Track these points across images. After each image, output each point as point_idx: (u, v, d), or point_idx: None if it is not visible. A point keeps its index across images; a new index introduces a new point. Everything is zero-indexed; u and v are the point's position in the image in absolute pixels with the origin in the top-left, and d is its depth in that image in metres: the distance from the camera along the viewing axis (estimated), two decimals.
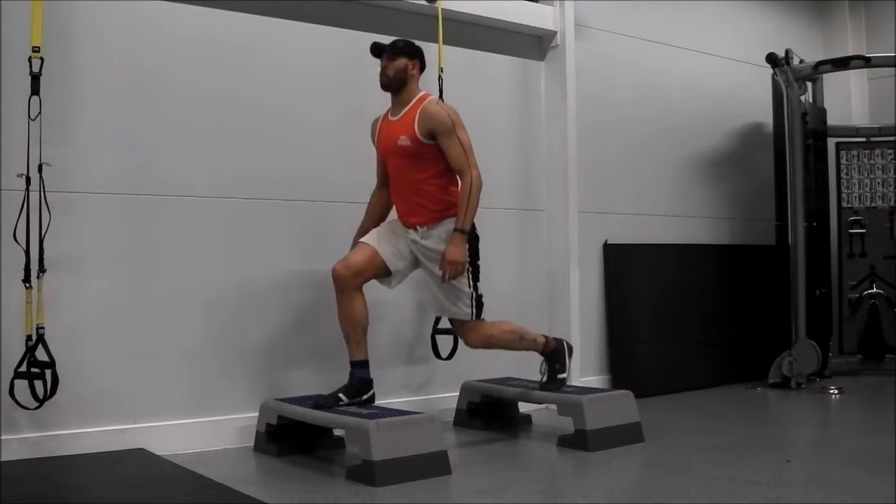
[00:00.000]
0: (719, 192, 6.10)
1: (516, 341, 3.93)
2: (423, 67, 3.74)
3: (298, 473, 3.37)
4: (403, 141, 3.59)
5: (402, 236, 3.70)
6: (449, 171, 3.64)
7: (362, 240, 3.69)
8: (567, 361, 4.08)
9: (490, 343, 3.84)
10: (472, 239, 3.66)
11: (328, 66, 4.27)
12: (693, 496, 3.00)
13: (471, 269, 3.66)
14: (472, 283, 3.67)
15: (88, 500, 2.92)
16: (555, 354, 4.05)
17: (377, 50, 3.72)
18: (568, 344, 4.14)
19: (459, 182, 3.64)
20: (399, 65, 3.65)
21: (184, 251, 3.81)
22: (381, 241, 3.67)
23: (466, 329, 3.78)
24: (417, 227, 3.66)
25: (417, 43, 4.49)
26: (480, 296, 3.72)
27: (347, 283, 3.54)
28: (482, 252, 3.74)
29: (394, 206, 3.81)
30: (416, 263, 3.75)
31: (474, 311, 3.70)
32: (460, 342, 4.18)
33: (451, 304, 3.70)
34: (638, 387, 4.51)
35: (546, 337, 4.05)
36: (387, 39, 4.30)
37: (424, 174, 3.62)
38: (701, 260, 5.85)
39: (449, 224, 3.63)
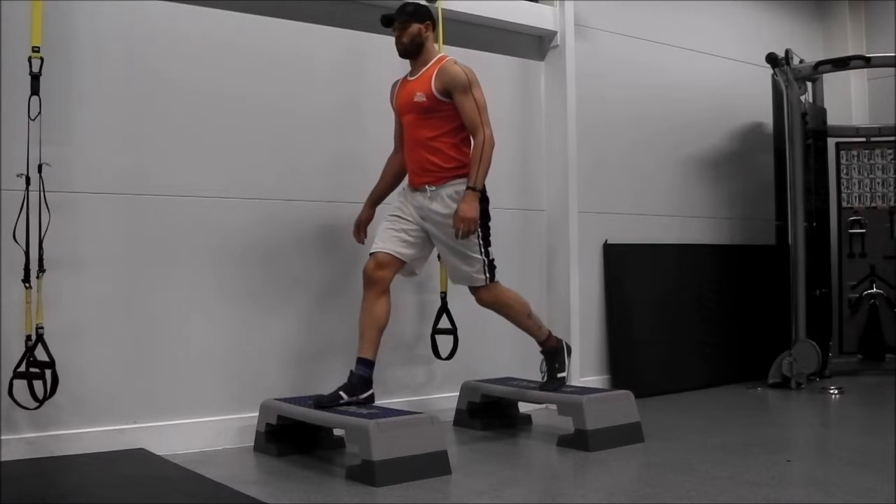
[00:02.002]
0: (719, 192, 6.10)
1: (524, 315, 3.94)
2: (434, 26, 3.80)
3: (298, 473, 3.37)
4: (419, 97, 3.64)
5: (408, 209, 3.72)
6: (462, 130, 3.67)
7: (377, 248, 3.69)
8: (567, 361, 4.09)
9: (500, 303, 3.86)
10: (482, 200, 3.67)
11: (328, 65, 4.27)
12: (693, 496, 3.00)
13: (480, 232, 3.68)
14: (482, 249, 3.70)
15: (88, 500, 2.92)
16: (555, 353, 4.06)
17: (387, 20, 3.76)
18: (567, 345, 4.15)
19: (472, 141, 3.66)
20: (412, 31, 3.70)
21: (184, 251, 3.81)
22: (395, 241, 3.69)
23: (479, 289, 3.80)
24: (427, 188, 3.67)
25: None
26: (493, 260, 3.75)
27: (377, 276, 3.61)
28: None
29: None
30: (427, 238, 3.76)
31: (488, 275, 3.73)
32: (458, 343, 4.20)
33: (464, 271, 3.73)
34: (638, 387, 4.51)
35: (549, 332, 4.06)
36: (387, 40, 4.30)
37: (437, 131, 3.65)
38: (701, 260, 5.85)
39: (457, 185, 3.64)
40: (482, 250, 3.71)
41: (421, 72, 3.72)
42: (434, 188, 3.66)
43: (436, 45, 3.80)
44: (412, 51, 3.72)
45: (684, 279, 5.70)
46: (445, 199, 3.65)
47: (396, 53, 4.35)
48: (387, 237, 3.71)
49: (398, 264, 3.69)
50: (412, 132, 3.72)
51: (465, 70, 3.66)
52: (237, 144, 3.97)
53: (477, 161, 3.60)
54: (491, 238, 3.76)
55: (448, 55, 3.84)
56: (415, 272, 3.82)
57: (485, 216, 3.70)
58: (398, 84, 3.86)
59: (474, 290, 3.84)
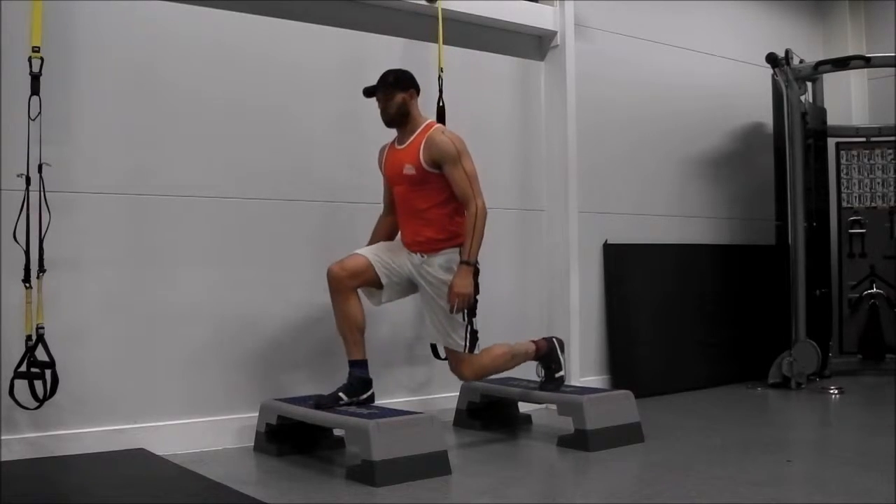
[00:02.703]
0: (719, 192, 6.10)
1: (509, 363, 3.89)
2: (418, 91, 3.71)
3: (298, 473, 3.37)
4: (409, 170, 3.59)
5: (403, 256, 3.68)
6: (454, 199, 3.63)
7: (358, 251, 3.68)
8: (561, 358, 4.06)
9: (483, 374, 3.83)
10: (475, 272, 3.63)
11: (328, 65, 4.27)
12: (693, 496, 3.00)
13: None
14: (466, 316, 3.62)
15: (88, 500, 2.92)
16: (547, 356, 4.04)
17: (369, 93, 3.71)
18: (557, 340, 4.10)
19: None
20: (396, 101, 3.64)
21: (184, 251, 3.81)
22: (379, 255, 3.66)
23: (459, 361, 3.72)
24: (420, 254, 3.65)
25: (417, 44, 4.51)
26: (476, 331, 3.67)
27: (343, 284, 3.54)
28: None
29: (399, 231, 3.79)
30: (411, 287, 3.73)
31: (468, 343, 3.65)
32: None
33: (445, 334, 3.67)
34: (638, 387, 4.51)
35: (534, 342, 4.02)
36: (387, 40, 4.33)
37: (429, 202, 3.61)
38: (701, 260, 5.85)
39: (451, 253, 3.61)
40: (465, 317, 3.63)
41: (408, 141, 3.65)
42: (427, 256, 3.64)
43: (422, 112, 3.72)
44: (398, 120, 3.66)
45: (684, 279, 5.69)
46: (437, 266, 3.62)
47: (396, 54, 4.38)
48: (374, 249, 3.68)
49: (370, 278, 3.61)
50: (404, 203, 3.68)
51: (452, 140, 3.59)
52: (238, 144, 3.97)
53: (470, 234, 3.56)
54: (477, 309, 3.67)
55: (435, 122, 3.79)
56: (379, 301, 3.72)
57: (474, 289, 3.63)
58: (386, 149, 3.79)
59: (455, 368, 3.76)
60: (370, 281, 3.64)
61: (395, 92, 3.64)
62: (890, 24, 6.62)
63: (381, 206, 3.93)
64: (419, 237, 3.64)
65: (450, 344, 3.69)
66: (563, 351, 4.10)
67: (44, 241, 3.28)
